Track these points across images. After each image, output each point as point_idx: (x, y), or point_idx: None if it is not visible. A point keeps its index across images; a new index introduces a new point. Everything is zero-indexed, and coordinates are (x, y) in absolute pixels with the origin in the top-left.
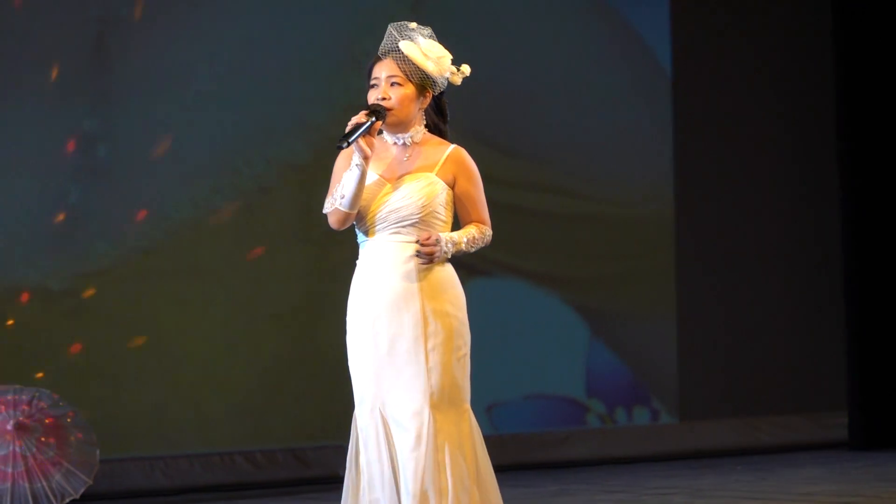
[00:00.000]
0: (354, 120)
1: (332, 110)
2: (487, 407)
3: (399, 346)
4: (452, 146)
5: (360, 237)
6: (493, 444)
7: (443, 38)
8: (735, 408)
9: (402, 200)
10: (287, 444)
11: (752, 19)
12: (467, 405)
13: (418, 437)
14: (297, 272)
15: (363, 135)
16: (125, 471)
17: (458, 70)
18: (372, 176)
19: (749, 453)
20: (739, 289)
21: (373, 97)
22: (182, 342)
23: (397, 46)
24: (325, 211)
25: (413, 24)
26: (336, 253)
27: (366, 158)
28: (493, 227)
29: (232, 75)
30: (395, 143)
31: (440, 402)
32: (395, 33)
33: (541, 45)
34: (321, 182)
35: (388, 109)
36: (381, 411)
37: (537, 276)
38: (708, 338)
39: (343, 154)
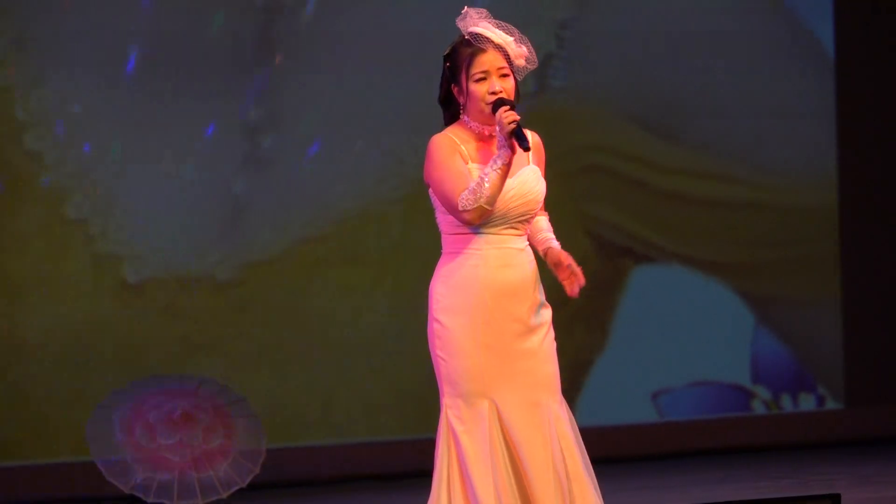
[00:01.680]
0: (511, 117)
1: None
2: (654, 394)
3: (516, 338)
4: (529, 132)
5: (465, 229)
6: (659, 430)
7: (610, 27)
8: None
9: (527, 196)
10: None
11: None
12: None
13: (541, 427)
14: None
15: None
16: (292, 459)
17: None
18: (481, 168)
19: None
20: None
21: (483, 89)
22: (348, 331)
23: (489, 38)
24: (468, 208)
25: (482, 11)
26: None
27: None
28: (658, 214)
29: (396, 65)
30: (482, 132)
31: (553, 391)
32: (482, 21)
33: (704, 33)
34: None
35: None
36: (494, 403)
37: (702, 262)
38: (873, 323)
39: (443, 146)
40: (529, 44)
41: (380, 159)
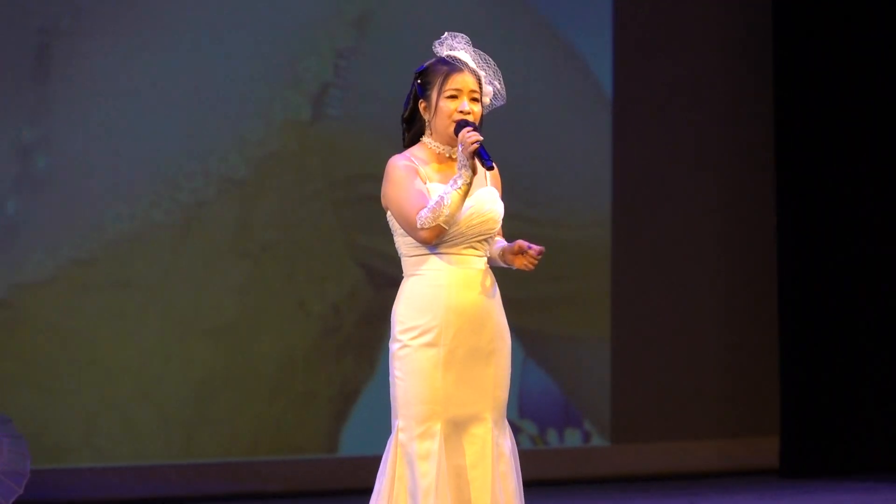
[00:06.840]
0: (474, 136)
1: (270, 127)
2: None
3: (475, 361)
4: None
5: (425, 250)
6: None
7: (389, 58)
8: (667, 431)
9: (485, 214)
10: (219, 458)
11: (694, 45)
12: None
13: (483, 450)
14: (232, 287)
15: None
16: (56, 481)
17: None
18: (440, 189)
19: (680, 478)
20: (674, 313)
21: (452, 107)
22: (116, 355)
23: (466, 61)
24: (426, 226)
25: (464, 37)
26: (272, 268)
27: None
28: None
29: (173, 90)
30: (442, 153)
31: (498, 417)
32: (462, 46)
33: None
34: (259, 197)
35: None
36: (447, 425)
37: None
38: (641, 361)
39: (402, 166)
40: (501, 80)
41: (154, 184)
